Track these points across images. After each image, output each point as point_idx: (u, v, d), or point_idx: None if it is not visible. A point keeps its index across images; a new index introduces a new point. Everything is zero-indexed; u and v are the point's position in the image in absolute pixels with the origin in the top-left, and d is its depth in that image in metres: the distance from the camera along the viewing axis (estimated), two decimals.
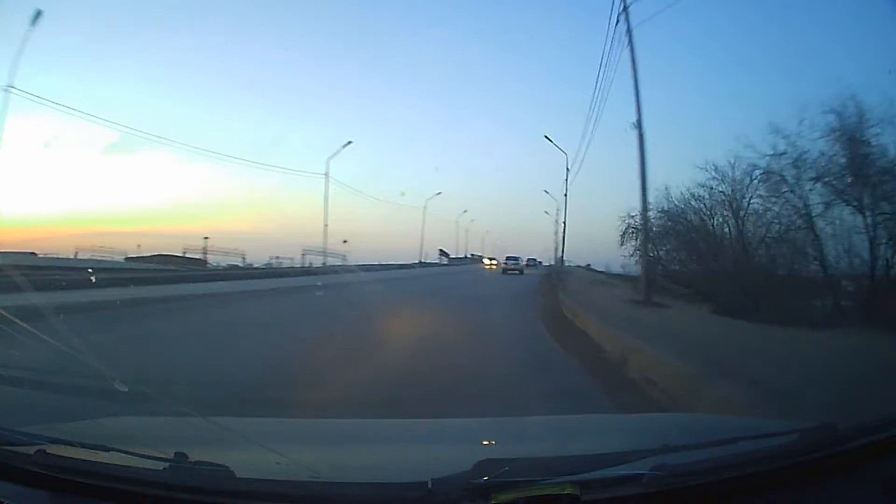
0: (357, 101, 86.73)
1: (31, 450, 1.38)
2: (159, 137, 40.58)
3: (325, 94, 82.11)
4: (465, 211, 71.25)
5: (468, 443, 2.17)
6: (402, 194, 66.24)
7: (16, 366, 4.14)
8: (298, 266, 36.88)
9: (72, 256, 32.38)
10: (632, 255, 24.37)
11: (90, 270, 17.89)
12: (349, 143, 38.17)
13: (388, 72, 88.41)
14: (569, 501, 1.23)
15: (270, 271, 32.05)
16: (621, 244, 24.88)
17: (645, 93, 14.19)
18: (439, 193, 60.91)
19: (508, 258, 42.92)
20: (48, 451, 1.38)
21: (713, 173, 18.50)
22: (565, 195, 34.01)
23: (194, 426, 2.11)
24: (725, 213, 18.35)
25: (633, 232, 23.87)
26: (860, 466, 1.49)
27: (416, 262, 51.02)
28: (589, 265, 51.67)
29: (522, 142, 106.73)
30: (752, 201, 17.29)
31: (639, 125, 13.52)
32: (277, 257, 41.20)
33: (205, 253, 39.24)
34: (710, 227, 19.18)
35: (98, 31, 51.94)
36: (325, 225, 36.79)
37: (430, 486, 1.24)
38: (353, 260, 40.21)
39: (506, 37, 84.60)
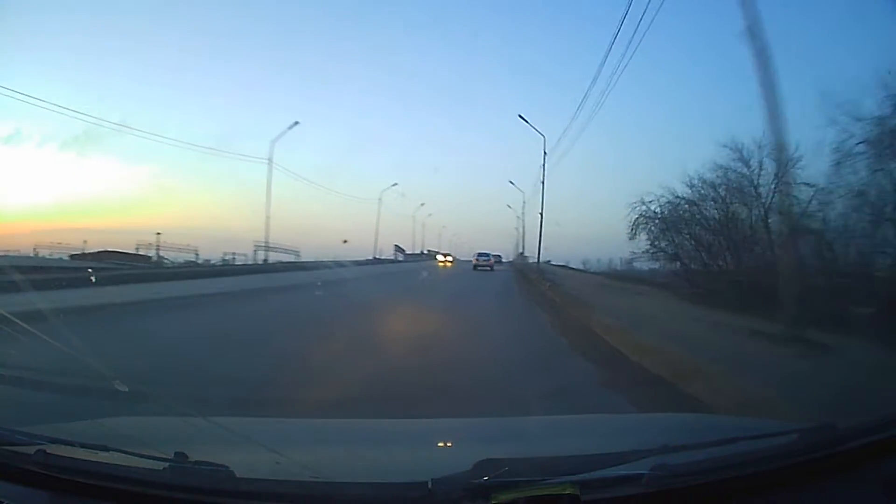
0: (315, 97, 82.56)
1: (31, 450, 1.38)
2: (121, 126, 36.25)
3: (279, 88, 79.16)
4: (423, 204, 63.78)
5: (468, 443, 2.17)
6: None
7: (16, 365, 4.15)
8: (251, 263, 34.35)
9: (31, 254, 31.26)
10: (647, 251, 20.25)
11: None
12: (296, 123, 34.47)
13: (347, 66, 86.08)
14: (569, 501, 1.23)
15: (222, 269, 28.64)
16: (631, 237, 20.47)
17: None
18: (395, 184, 56.17)
19: (480, 254, 41.38)
20: (48, 451, 1.38)
21: (737, 154, 15.42)
22: (542, 182, 29.79)
23: (194, 426, 2.11)
24: (751, 201, 15.32)
25: (645, 222, 19.82)
26: (860, 466, 1.49)
27: (372, 258, 47.53)
28: (549, 261, 49.41)
29: (484, 134, 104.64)
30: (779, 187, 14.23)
31: (753, 32, 7.59)
32: (233, 253, 38.90)
33: (157, 249, 36.84)
34: (725, 218, 16.31)
35: (53, 24, 49.93)
36: (268, 217, 33.58)
37: (430, 486, 1.24)
38: (307, 256, 38.47)
39: (466, 19, 79.93)
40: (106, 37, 57.79)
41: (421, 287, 21.69)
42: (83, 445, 1.48)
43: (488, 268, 38.37)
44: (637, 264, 34.33)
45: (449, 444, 2.17)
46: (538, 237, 30.30)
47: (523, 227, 48.45)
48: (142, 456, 1.42)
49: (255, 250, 37.66)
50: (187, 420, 2.25)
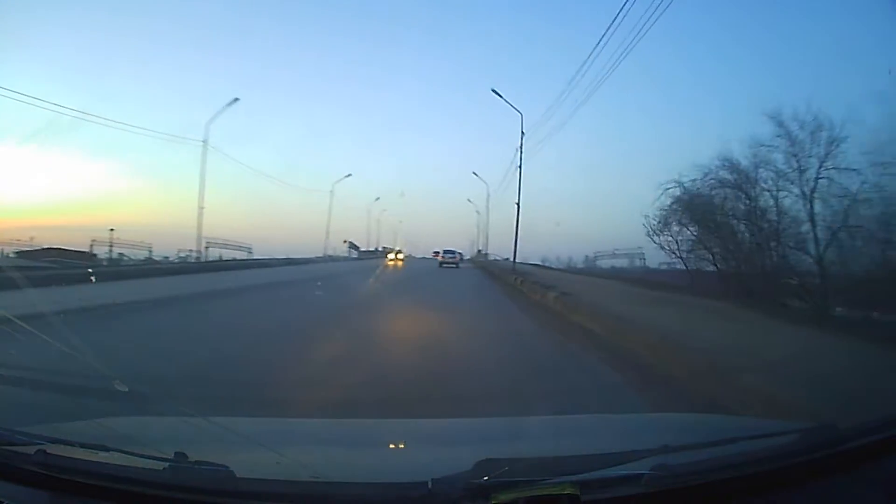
0: (272, 91, 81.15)
1: (31, 450, 1.38)
2: (85, 114, 32.30)
3: (234, 82, 74.96)
4: (378, 198, 61.27)
5: (468, 443, 2.17)
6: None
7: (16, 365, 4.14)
8: (202, 261, 31.79)
9: None
10: (689, 250, 16.27)
11: None
12: (235, 100, 30.10)
13: (303, 58, 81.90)
14: (569, 501, 1.23)
15: (165, 267, 25.25)
16: (658, 231, 16.85)
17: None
18: (349, 175, 53.56)
19: (446, 251, 42.73)
20: (48, 451, 1.38)
21: (781, 129, 12.89)
22: (519, 167, 25.69)
23: (194, 426, 2.11)
24: (787, 186, 12.87)
25: (681, 210, 16.13)
26: (860, 466, 1.49)
27: (324, 255, 44.72)
28: (506, 259, 48.92)
29: (443, 130, 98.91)
30: (823, 173, 12.34)
31: None
32: (190, 250, 36.69)
33: (111, 246, 34.60)
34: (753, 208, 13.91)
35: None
36: (201, 207, 29.62)
37: (430, 485, 1.25)
38: (260, 253, 37.89)
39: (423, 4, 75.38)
40: (63, 30, 54.93)
41: (356, 304, 12.59)
42: (83, 445, 1.48)
43: (454, 265, 39.26)
44: (601, 262, 32.66)
45: (449, 445, 2.17)
46: (514, 231, 26.00)
47: (488, 222, 46.65)
48: (142, 456, 1.42)
49: (206, 247, 36.14)
50: (187, 420, 2.25)
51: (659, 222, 16.85)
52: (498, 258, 46.19)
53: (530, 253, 41.07)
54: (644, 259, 35.15)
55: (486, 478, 1.25)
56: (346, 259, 51.81)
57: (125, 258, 33.39)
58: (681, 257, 16.83)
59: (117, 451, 1.43)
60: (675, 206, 16.52)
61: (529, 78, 76.71)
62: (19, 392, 4.00)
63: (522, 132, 25.70)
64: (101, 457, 1.41)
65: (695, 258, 16.49)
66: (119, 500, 1.33)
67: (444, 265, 38.74)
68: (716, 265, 15.61)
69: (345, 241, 58.73)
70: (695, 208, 15.98)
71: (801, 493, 1.43)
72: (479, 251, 55.06)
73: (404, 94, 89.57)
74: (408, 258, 60.13)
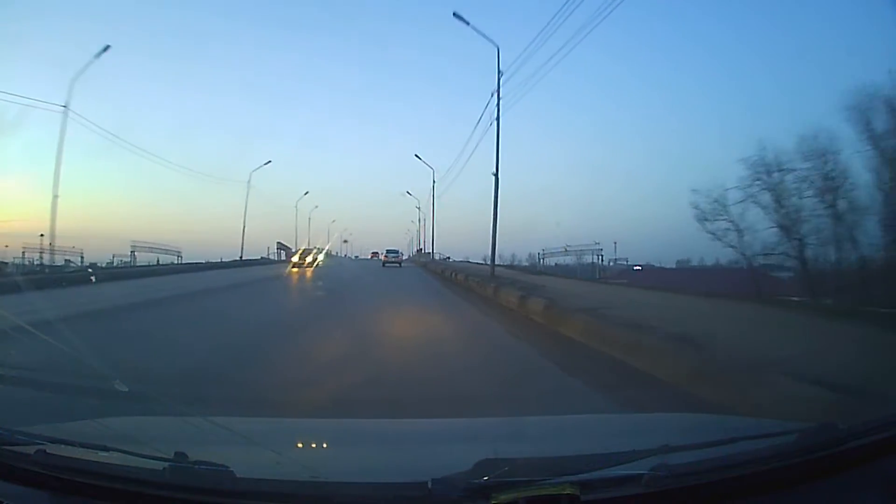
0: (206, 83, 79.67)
1: (31, 450, 1.39)
2: (33, 100, 30.91)
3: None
4: (307, 192, 54.22)
5: (468, 443, 2.17)
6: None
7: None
8: (130, 266, 31.77)
9: None
10: (779, 240, 11.89)
11: None
12: (107, 47, 23.61)
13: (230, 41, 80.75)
14: (569, 501, 1.24)
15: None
16: (713, 217, 13.10)
17: None
18: (269, 162, 45.12)
19: (389, 251, 42.98)
20: (48, 451, 1.38)
21: None
22: (496, 121, 18.71)
23: (194, 426, 2.12)
24: None
25: (763, 184, 11.69)
26: (860, 466, 1.49)
27: (241, 258, 39.78)
28: (448, 258, 47.58)
29: (379, 119, 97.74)
30: None
31: None
32: (132, 253, 36.92)
33: (41, 253, 31.75)
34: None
35: None
36: (55, 196, 23.28)
37: (430, 486, 1.25)
38: (190, 257, 37.43)
39: None
40: None
41: None
42: (83, 445, 1.49)
43: (397, 264, 39.81)
44: (551, 260, 31.32)
45: (449, 444, 2.17)
46: (492, 214, 18.89)
47: (433, 214, 41.06)
48: (142, 456, 1.42)
49: (132, 251, 36.06)
50: (187, 420, 2.25)
51: (717, 202, 12.99)
52: (440, 256, 45.62)
53: (470, 251, 40.05)
54: (602, 256, 34.81)
55: (486, 478, 1.25)
56: (274, 262, 46.25)
57: (71, 264, 31.52)
58: (743, 253, 13.39)
59: (117, 451, 1.43)
60: (759, 177, 11.90)
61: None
62: (19, 392, 4.00)
63: (500, 71, 18.72)
64: (101, 457, 1.41)
65: (763, 253, 12.83)
66: (119, 500, 1.33)
67: (388, 264, 39.45)
68: (804, 262, 11.73)
69: (277, 243, 54.92)
70: (779, 183, 12.03)
71: (801, 494, 1.43)
72: (420, 250, 52.83)
73: (339, 89, 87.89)
74: (342, 259, 54.59)
